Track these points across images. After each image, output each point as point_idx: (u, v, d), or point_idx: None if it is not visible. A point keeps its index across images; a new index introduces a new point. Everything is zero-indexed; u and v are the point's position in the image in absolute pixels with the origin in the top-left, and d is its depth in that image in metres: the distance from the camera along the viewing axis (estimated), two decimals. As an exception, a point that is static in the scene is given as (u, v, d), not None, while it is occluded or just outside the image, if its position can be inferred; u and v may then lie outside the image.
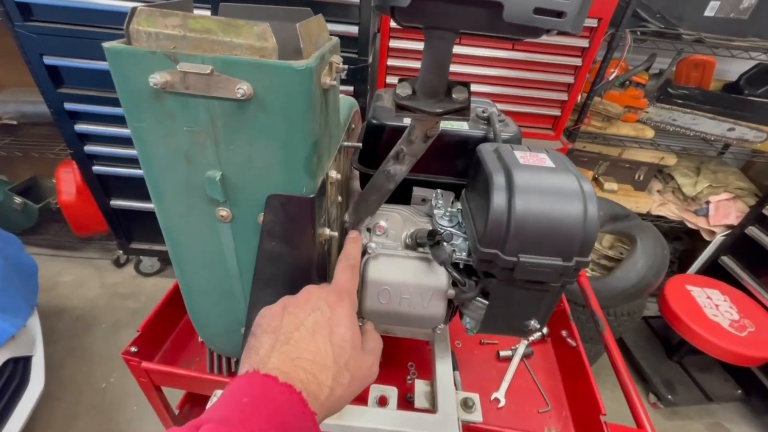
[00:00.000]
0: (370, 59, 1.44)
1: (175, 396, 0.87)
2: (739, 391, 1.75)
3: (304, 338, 0.35)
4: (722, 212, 1.83)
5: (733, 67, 1.83)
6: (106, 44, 0.34)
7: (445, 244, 0.50)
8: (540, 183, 0.43)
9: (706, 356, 1.54)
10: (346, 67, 0.46)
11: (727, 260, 1.87)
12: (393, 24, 1.41)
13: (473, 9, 0.30)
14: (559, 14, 0.29)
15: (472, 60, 1.47)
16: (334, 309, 0.38)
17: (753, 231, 1.75)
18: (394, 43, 1.46)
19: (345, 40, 1.36)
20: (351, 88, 1.44)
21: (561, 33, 0.34)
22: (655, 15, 1.54)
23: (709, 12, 1.56)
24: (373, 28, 1.46)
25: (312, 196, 0.41)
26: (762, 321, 1.58)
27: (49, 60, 1.37)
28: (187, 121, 0.37)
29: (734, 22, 1.57)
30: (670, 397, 1.70)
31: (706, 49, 1.60)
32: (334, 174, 0.49)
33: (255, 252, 0.44)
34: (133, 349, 0.71)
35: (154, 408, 0.79)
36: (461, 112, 0.39)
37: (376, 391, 0.65)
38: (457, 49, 1.44)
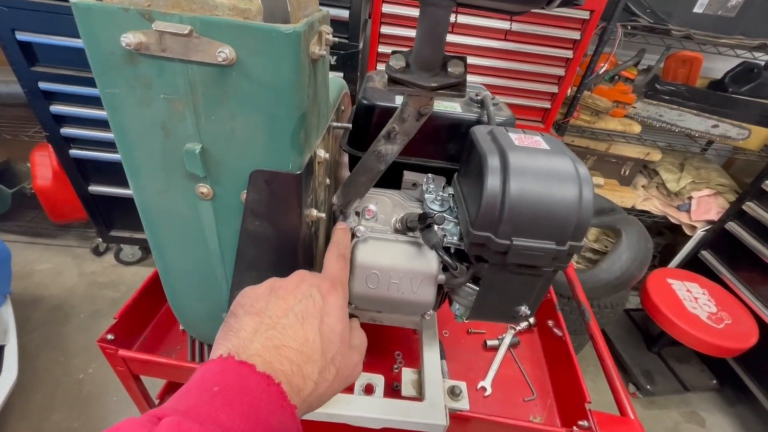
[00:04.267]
0: (361, 45, 1.41)
1: (155, 386, 0.85)
2: (714, 381, 1.81)
3: (292, 325, 0.32)
4: (703, 208, 1.87)
5: (718, 65, 1.86)
6: (74, 0, 0.31)
7: (436, 227, 0.49)
8: (535, 165, 0.42)
9: (684, 347, 1.59)
10: (336, 40, 0.44)
11: (706, 255, 1.91)
12: (384, 9, 1.38)
13: (473, -29, 0.28)
14: (563, -21, 0.27)
15: (464, 49, 1.46)
16: (327, 297, 0.35)
17: (732, 227, 1.79)
18: (385, 30, 1.43)
19: (335, 25, 1.33)
20: (341, 74, 1.41)
21: (565, 3, 0.32)
22: (646, 10, 1.55)
23: (698, 9, 1.58)
24: (364, 13, 1.43)
25: (299, 172, 0.39)
26: (738, 314, 1.62)
27: (22, 36, 1.30)
28: (164, 88, 0.34)
29: (722, 20, 1.59)
30: (648, 387, 1.74)
31: (694, 46, 1.62)
32: (322, 153, 0.47)
33: (237, 232, 0.42)
34: (110, 336, 0.69)
35: (133, 398, 0.77)
36: (457, 87, 0.38)
37: (362, 378, 0.64)
38: (449, 38, 1.42)
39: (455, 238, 0.49)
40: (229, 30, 0.31)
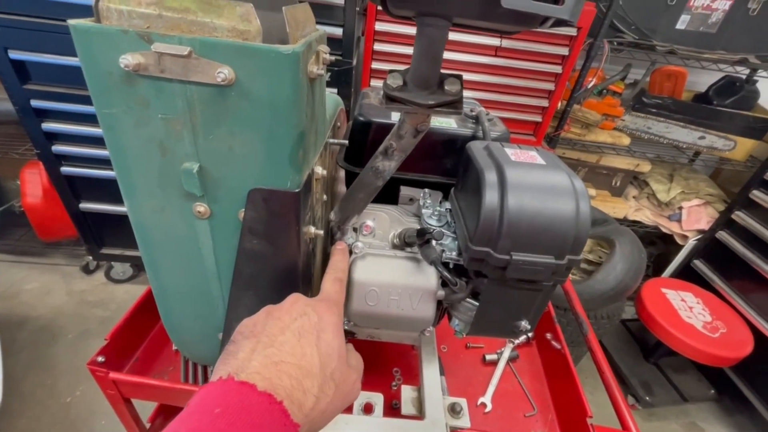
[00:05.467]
0: (354, 61, 1.42)
1: (147, 409, 0.82)
2: (713, 391, 1.80)
3: (289, 341, 0.32)
4: (694, 217, 1.89)
5: (702, 79, 1.92)
6: (71, 21, 0.31)
7: (434, 243, 0.49)
8: (532, 180, 0.42)
9: (681, 357, 1.59)
10: (333, 58, 0.44)
11: (699, 264, 1.93)
12: (377, 27, 1.40)
13: (469, -7, 0.29)
14: (557, 1, 0.28)
15: (455, 65, 1.48)
16: (323, 315, 0.36)
17: (723, 236, 1.82)
18: (378, 47, 1.45)
19: (329, 42, 1.34)
20: (335, 90, 1.43)
21: (558, 23, 0.33)
22: (631, 26, 1.59)
23: (680, 25, 1.63)
24: (358, 31, 1.45)
25: (297, 190, 0.38)
26: (733, 323, 1.63)
27: (14, 54, 1.30)
28: (162, 107, 0.34)
29: (704, 36, 1.64)
30: (647, 398, 1.73)
31: (678, 61, 1.66)
32: (319, 170, 0.47)
33: (235, 251, 0.42)
34: (100, 358, 0.67)
35: (123, 422, 0.74)
36: (454, 105, 0.38)
37: (361, 397, 0.63)
38: (442, 54, 1.45)
39: (454, 253, 0.49)
40: (228, 51, 0.32)
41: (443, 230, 0.51)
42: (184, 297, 0.48)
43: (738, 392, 1.73)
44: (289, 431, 0.27)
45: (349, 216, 0.52)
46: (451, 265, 0.50)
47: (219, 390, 0.27)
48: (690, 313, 1.65)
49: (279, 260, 0.43)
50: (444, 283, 0.50)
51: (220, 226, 0.41)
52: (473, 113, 0.61)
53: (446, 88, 0.38)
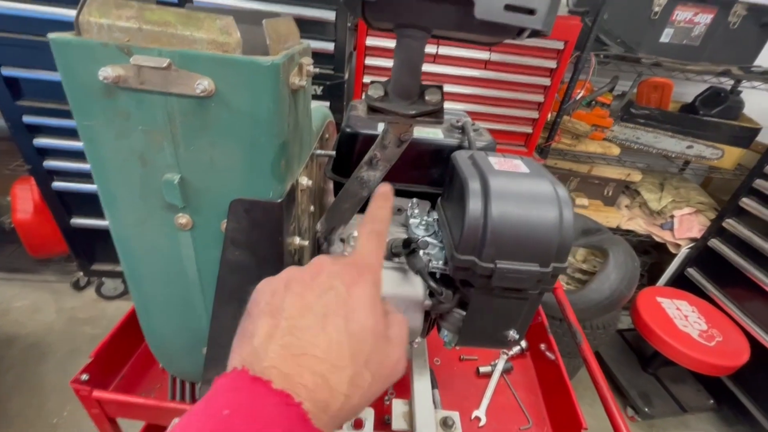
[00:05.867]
0: (346, 75, 1.44)
1: (135, 429, 0.80)
2: (711, 401, 1.79)
3: (312, 327, 0.27)
4: (686, 226, 1.91)
5: (688, 90, 1.96)
6: (51, 35, 0.31)
7: (420, 252, 0.48)
8: (515, 188, 0.42)
9: (678, 367, 1.57)
10: (317, 71, 0.45)
11: (693, 272, 1.94)
12: (368, 42, 1.43)
13: (444, 5, 0.30)
14: (530, 12, 0.29)
15: (447, 78, 1.50)
16: (352, 289, 0.29)
17: (715, 243, 1.83)
18: (369, 61, 1.48)
19: (322, 57, 1.37)
20: (327, 104, 1.44)
21: (534, 34, 0.34)
22: (616, 40, 1.63)
23: (664, 38, 1.67)
24: (349, 46, 1.48)
25: (280, 200, 0.38)
26: (729, 331, 1.63)
27: (7, 71, 1.30)
28: (143, 119, 0.34)
29: (687, 48, 1.69)
30: (646, 409, 1.71)
31: (664, 72, 1.70)
32: (305, 181, 0.47)
33: (218, 262, 0.41)
34: (84, 377, 0.65)
35: (108, 443, 0.72)
36: (435, 114, 0.38)
37: (351, 413, 0.61)
38: (432, 68, 1.48)
39: (440, 262, 0.49)
40: (208, 63, 0.32)
41: (429, 239, 0.51)
42: (167, 310, 0.47)
43: (737, 402, 1.71)
44: None
45: (336, 226, 0.52)
46: (438, 275, 0.50)
47: (231, 385, 0.24)
48: (686, 321, 1.64)
49: (263, 271, 0.42)
50: (432, 293, 0.49)
51: (202, 237, 0.41)
52: (459, 124, 0.62)
53: (427, 98, 0.38)
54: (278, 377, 0.24)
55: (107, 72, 0.31)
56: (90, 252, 1.81)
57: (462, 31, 0.32)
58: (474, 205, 0.41)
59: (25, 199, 1.78)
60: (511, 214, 0.40)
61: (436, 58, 1.47)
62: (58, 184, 1.56)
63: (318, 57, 1.39)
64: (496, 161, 0.47)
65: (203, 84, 0.32)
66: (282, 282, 0.30)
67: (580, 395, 0.73)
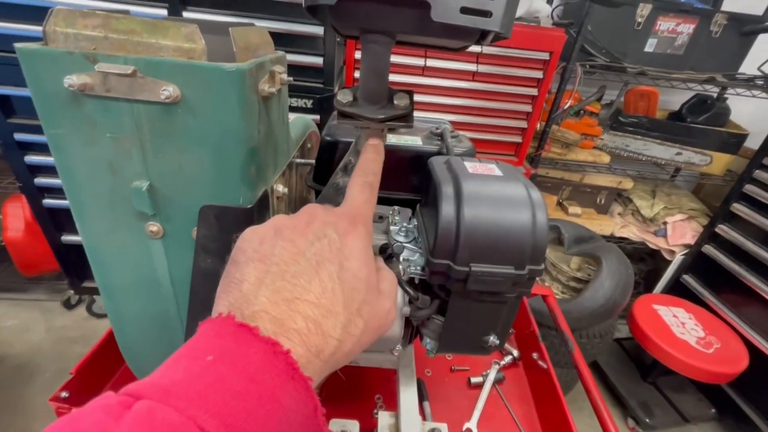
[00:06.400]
0: (336, 89, 1.46)
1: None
2: (713, 411, 1.75)
3: (305, 272, 0.26)
4: (679, 232, 1.91)
5: (675, 98, 1.99)
6: (18, 45, 0.32)
7: (400, 258, 0.48)
8: (488, 191, 0.42)
9: (678, 376, 1.55)
10: (290, 79, 0.45)
11: (688, 279, 1.93)
12: (357, 55, 1.45)
13: (402, 9, 0.30)
14: (486, 14, 0.29)
15: (436, 90, 1.53)
16: (345, 237, 0.29)
17: (709, 249, 1.83)
18: (358, 74, 1.50)
19: (311, 71, 1.39)
20: (318, 117, 1.46)
21: (497, 38, 0.34)
22: (601, 50, 1.67)
23: (648, 48, 1.71)
24: (339, 60, 1.50)
25: (250, 206, 0.38)
26: (726, 337, 1.61)
27: (-1, 90, 1.32)
28: (110, 127, 0.34)
29: (671, 57, 1.72)
30: (648, 420, 1.68)
31: (649, 81, 1.73)
32: (281, 188, 0.47)
33: (191, 271, 0.41)
34: (64, 394, 0.64)
35: (87, 463, 0.70)
36: (404, 118, 0.39)
37: (336, 426, 0.60)
38: (420, 80, 1.50)
39: (419, 268, 0.49)
40: (173, 69, 0.32)
41: (409, 245, 0.51)
42: (142, 321, 0.46)
43: (739, 411, 1.68)
44: (298, 386, 0.22)
45: (314, 234, 0.51)
46: (416, 281, 0.49)
47: (216, 330, 0.23)
48: (683, 329, 1.63)
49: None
50: (410, 300, 0.49)
51: (174, 245, 0.41)
52: (438, 131, 0.63)
53: (396, 102, 0.38)
54: (269, 322, 0.23)
55: (72, 80, 0.31)
56: (81, 269, 1.80)
57: (424, 35, 0.33)
58: (447, 209, 0.41)
59: (16, 216, 1.77)
60: (484, 217, 0.40)
61: (424, 71, 1.50)
62: (49, 201, 1.56)
63: (308, 71, 1.41)
64: (471, 166, 0.47)
65: (168, 90, 0.32)
66: (270, 229, 0.29)
67: (579, 406, 0.71)
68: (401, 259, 0.49)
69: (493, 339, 0.47)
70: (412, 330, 0.56)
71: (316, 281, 0.26)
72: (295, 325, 0.24)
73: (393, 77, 1.47)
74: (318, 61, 1.38)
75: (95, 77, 0.32)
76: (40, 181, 1.51)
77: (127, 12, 0.39)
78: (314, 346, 0.24)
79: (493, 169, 0.47)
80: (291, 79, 0.45)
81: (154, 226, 0.39)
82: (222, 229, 0.38)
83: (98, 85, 0.32)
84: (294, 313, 0.24)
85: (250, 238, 0.29)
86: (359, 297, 0.28)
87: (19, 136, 1.40)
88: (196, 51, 0.32)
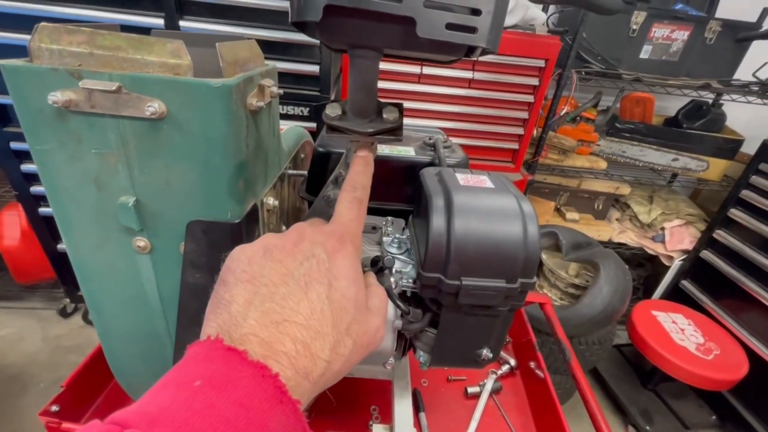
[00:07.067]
0: (332, 97, 1.47)
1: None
2: (714, 417, 1.74)
3: (294, 294, 0.26)
4: (677, 238, 1.91)
5: (671, 104, 2.00)
6: (2, 62, 0.31)
7: (393, 270, 0.47)
8: (479, 204, 0.42)
9: (679, 383, 1.54)
10: (281, 92, 0.45)
11: (687, 284, 1.92)
12: (353, 64, 1.45)
13: (387, 25, 0.30)
14: (472, 30, 0.29)
15: (432, 97, 1.53)
16: (334, 256, 0.29)
17: (707, 255, 1.82)
18: (355, 82, 1.50)
19: (308, 79, 1.40)
20: (313, 125, 1.46)
21: (486, 53, 0.34)
22: (597, 57, 1.67)
23: (643, 55, 1.72)
24: (335, 68, 1.50)
25: (238, 221, 0.38)
26: (726, 343, 1.60)
27: (-5, 99, 1.32)
28: (95, 142, 0.34)
29: (666, 64, 1.73)
30: (648, 428, 1.66)
31: (645, 87, 1.74)
32: (271, 201, 0.46)
33: (179, 286, 0.40)
34: (54, 407, 0.63)
35: (78, 478, 0.69)
36: (393, 132, 0.39)
37: (328, 441, 0.59)
38: (416, 88, 1.50)
39: (411, 281, 0.48)
40: (158, 85, 0.32)
41: (401, 257, 0.51)
42: (130, 336, 0.46)
43: (740, 418, 1.67)
44: (286, 410, 0.22)
45: (305, 246, 0.51)
46: (408, 293, 0.49)
47: (204, 354, 0.23)
48: (682, 335, 1.62)
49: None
50: (402, 313, 0.48)
51: (162, 260, 0.40)
52: (431, 141, 0.62)
53: (385, 116, 0.38)
54: (257, 345, 0.23)
55: (57, 96, 0.31)
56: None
57: (411, 50, 0.32)
58: (437, 221, 0.41)
59: (12, 225, 1.77)
60: (475, 230, 0.40)
61: (420, 78, 1.50)
62: (45, 210, 1.56)
63: (304, 79, 1.42)
64: (462, 177, 0.47)
65: (153, 106, 0.32)
66: (259, 249, 0.29)
67: (579, 413, 0.71)
68: (393, 271, 0.48)
69: (486, 352, 0.47)
70: (405, 343, 0.56)
71: (305, 302, 0.26)
72: (283, 347, 0.24)
73: (389, 84, 1.47)
74: (314, 69, 1.38)
75: (80, 93, 0.32)
76: (36, 189, 1.51)
77: (116, 26, 0.39)
78: (303, 369, 0.24)
79: (484, 180, 0.46)
80: (281, 91, 0.45)
81: (141, 242, 0.39)
82: (210, 244, 0.38)
83: (83, 102, 0.32)
84: (283, 335, 0.24)
85: (238, 257, 0.29)
86: (348, 316, 0.28)
87: (15, 145, 1.40)
88: (182, 67, 0.32)
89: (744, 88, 1.70)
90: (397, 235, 0.56)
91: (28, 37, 0.31)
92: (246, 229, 0.39)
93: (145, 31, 0.40)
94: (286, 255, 0.28)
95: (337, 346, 0.26)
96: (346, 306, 0.28)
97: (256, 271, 0.27)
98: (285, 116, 1.43)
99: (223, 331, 0.24)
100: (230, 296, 0.26)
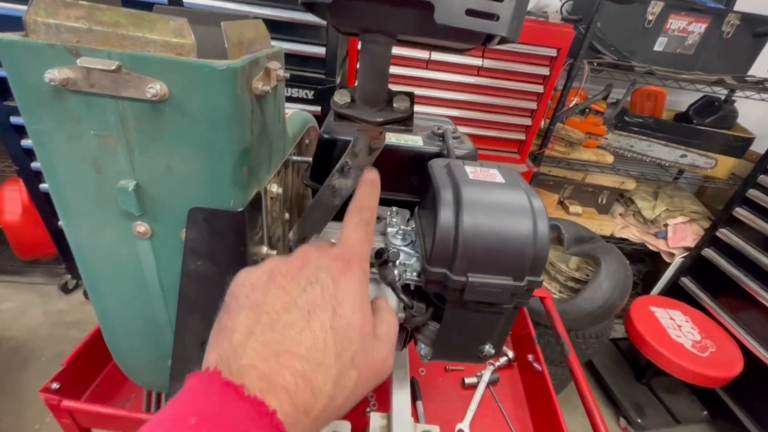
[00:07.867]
0: (338, 80, 1.43)
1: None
2: (705, 413, 1.76)
3: (296, 323, 0.25)
4: (680, 235, 1.90)
5: (682, 99, 1.96)
6: (-4, 35, 0.30)
7: (397, 262, 0.47)
8: (488, 199, 0.41)
9: (672, 378, 1.55)
10: (287, 75, 0.43)
11: (687, 281, 1.92)
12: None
13: (403, 9, 0.28)
14: (493, 17, 0.27)
15: (440, 84, 1.50)
16: (339, 281, 0.28)
17: (709, 253, 1.82)
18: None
19: (313, 61, 1.36)
20: (318, 108, 1.43)
21: (503, 41, 0.33)
22: (610, 48, 1.63)
23: (658, 47, 1.67)
24: (342, 50, 1.47)
25: (241, 209, 0.37)
26: (722, 341, 1.61)
27: (-6, 71, 1.29)
28: (94, 123, 0.33)
29: (681, 57, 1.69)
30: (639, 420, 1.69)
31: (657, 81, 1.70)
32: (275, 188, 0.45)
33: (179, 272, 0.40)
34: (55, 385, 0.64)
35: (82, 454, 0.70)
36: (404, 122, 0.37)
37: (326, 428, 0.60)
38: (424, 74, 1.47)
39: (416, 274, 0.48)
40: (160, 66, 0.30)
41: (405, 250, 0.50)
42: (129, 322, 0.45)
43: (731, 414, 1.69)
44: None
45: (308, 235, 0.50)
46: (412, 287, 0.48)
47: (201, 388, 0.22)
48: (679, 331, 1.62)
49: (226, 282, 0.40)
50: (404, 306, 0.48)
51: (163, 246, 0.39)
52: (440, 131, 0.61)
53: (395, 105, 0.37)
54: (256, 378, 0.22)
55: (53, 74, 0.30)
56: (78, 255, 1.79)
57: (426, 36, 0.31)
58: (445, 215, 0.40)
59: (13, 200, 1.76)
60: (483, 226, 0.39)
61: (428, 64, 1.47)
62: (46, 186, 1.54)
63: (309, 61, 1.38)
64: (472, 170, 0.45)
65: (155, 88, 0.30)
66: (264, 274, 0.28)
67: (574, 405, 0.71)
68: (397, 263, 0.47)
69: (488, 348, 0.46)
70: (406, 334, 0.55)
71: (307, 332, 0.25)
72: (283, 381, 0.23)
73: (396, 69, 1.44)
74: (320, 51, 1.35)
75: (78, 72, 0.30)
76: (37, 165, 1.49)
77: (117, 1, 0.37)
78: (303, 404, 0.23)
79: (494, 174, 0.45)
80: (287, 75, 0.43)
81: (141, 227, 0.38)
82: (212, 232, 0.37)
83: (81, 80, 0.30)
84: (283, 368, 0.23)
85: (242, 282, 0.28)
86: (353, 346, 0.26)
87: (15, 120, 1.38)
88: (185, 46, 0.31)
89: (758, 85, 1.66)
90: (402, 227, 0.55)
91: (24, 8, 0.29)
92: (249, 217, 0.38)
93: (147, 6, 0.38)
94: (290, 281, 0.27)
95: (341, 378, 0.25)
96: (350, 335, 0.26)
97: (259, 298, 0.26)
98: (289, 98, 1.40)
99: (222, 362, 0.23)
100: (233, 324, 0.25)
